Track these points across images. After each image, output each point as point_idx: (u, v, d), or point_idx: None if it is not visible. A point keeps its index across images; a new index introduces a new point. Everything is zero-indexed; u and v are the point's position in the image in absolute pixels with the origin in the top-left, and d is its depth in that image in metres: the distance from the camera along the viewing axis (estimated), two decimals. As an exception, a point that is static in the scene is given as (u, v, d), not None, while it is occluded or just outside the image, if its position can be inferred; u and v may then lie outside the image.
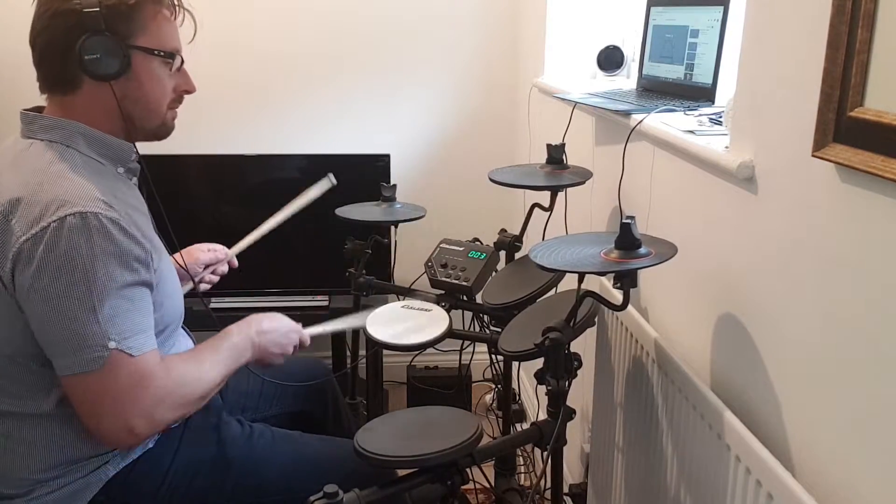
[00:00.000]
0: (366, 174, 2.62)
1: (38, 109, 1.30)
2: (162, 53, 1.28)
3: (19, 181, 1.20)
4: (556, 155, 1.73)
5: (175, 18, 1.31)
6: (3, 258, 1.16)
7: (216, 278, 1.69)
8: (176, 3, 1.30)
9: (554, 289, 1.69)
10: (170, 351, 1.36)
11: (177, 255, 1.51)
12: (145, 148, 1.35)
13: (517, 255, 1.91)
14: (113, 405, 1.18)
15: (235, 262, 1.73)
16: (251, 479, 1.34)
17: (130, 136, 1.32)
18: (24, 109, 1.29)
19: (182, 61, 1.33)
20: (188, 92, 1.36)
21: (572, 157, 1.79)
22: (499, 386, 2.16)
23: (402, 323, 1.65)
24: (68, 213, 1.14)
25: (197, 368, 1.28)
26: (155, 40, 1.27)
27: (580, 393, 1.91)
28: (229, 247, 1.74)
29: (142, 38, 1.25)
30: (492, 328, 1.92)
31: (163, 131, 1.35)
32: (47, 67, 1.27)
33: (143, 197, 1.39)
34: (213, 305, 2.56)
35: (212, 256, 1.68)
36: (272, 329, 1.42)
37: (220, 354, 1.32)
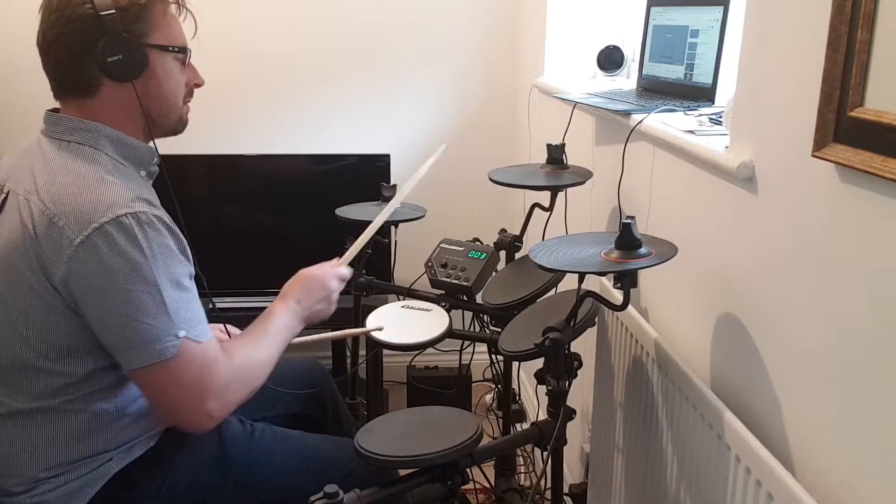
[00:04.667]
0: (366, 174, 2.62)
1: (56, 110, 1.30)
2: (176, 49, 1.31)
3: (60, 182, 1.21)
4: (556, 155, 1.73)
5: (180, 15, 1.34)
6: (56, 263, 1.17)
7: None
8: (180, 0, 1.33)
9: (554, 289, 1.69)
10: None
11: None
12: (145, 148, 1.35)
13: (517, 255, 1.91)
14: (190, 391, 1.22)
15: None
16: (252, 478, 1.35)
17: (150, 134, 1.33)
18: (49, 110, 1.30)
19: (190, 56, 1.36)
20: (198, 85, 1.40)
21: (572, 157, 1.79)
22: (499, 386, 2.16)
23: (402, 323, 1.65)
24: (119, 213, 1.17)
25: (255, 350, 1.33)
26: (167, 37, 1.29)
27: (580, 393, 1.91)
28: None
29: (155, 36, 1.27)
30: (492, 328, 1.92)
31: (180, 126, 1.38)
32: (63, 73, 1.27)
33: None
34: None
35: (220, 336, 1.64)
36: (308, 290, 1.46)
37: (270, 336, 1.36)
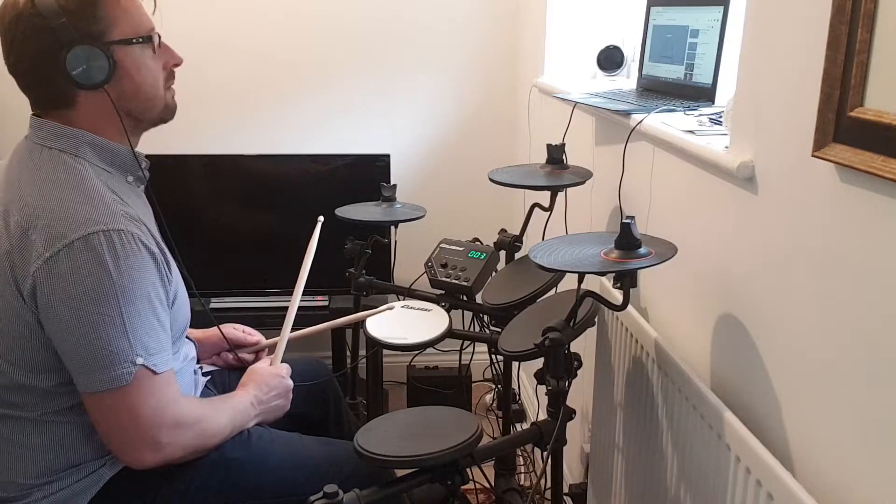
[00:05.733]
0: (366, 174, 2.62)
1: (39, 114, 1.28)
2: (140, 40, 1.25)
3: (38, 193, 1.19)
4: (556, 155, 1.73)
5: None
6: (24, 274, 1.16)
7: (221, 362, 1.65)
8: None
9: (554, 289, 1.69)
10: (176, 355, 1.37)
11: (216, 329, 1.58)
12: (144, 148, 1.34)
13: (517, 255, 1.91)
14: (145, 421, 1.20)
15: (249, 359, 1.64)
16: (250, 481, 1.34)
17: (137, 131, 1.31)
18: (33, 114, 1.28)
19: (160, 37, 1.30)
20: (177, 65, 1.34)
21: (572, 157, 1.79)
22: (499, 386, 2.16)
23: (402, 323, 1.65)
24: (91, 231, 1.14)
25: (214, 412, 1.32)
26: (128, 28, 1.24)
27: (580, 393, 1.91)
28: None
29: (115, 32, 1.22)
30: (492, 328, 1.92)
31: (167, 114, 1.34)
32: (37, 91, 1.25)
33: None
34: (213, 305, 2.57)
35: (240, 336, 1.64)
36: (266, 385, 1.43)
37: (229, 411, 1.35)
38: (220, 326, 1.60)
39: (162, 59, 1.31)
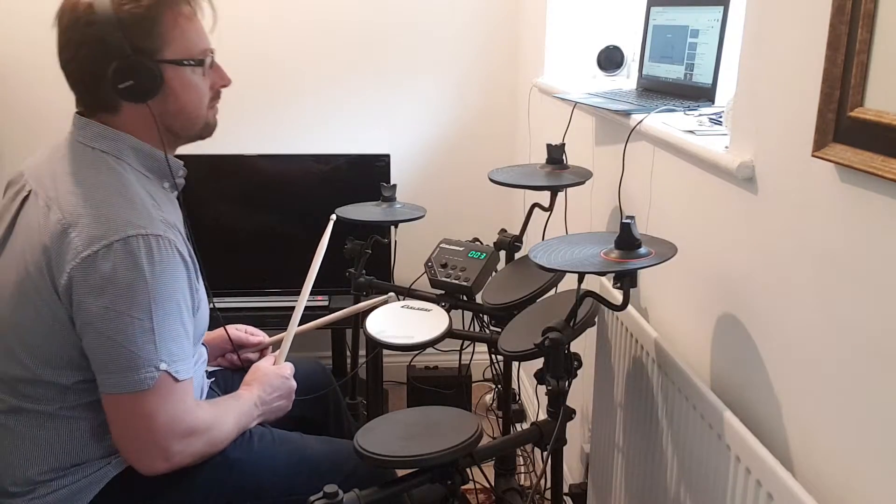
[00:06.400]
0: (366, 174, 2.63)
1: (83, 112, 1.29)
2: (192, 62, 1.26)
3: (80, 193, 1.20)
4: (556, 155, 1.73)
5: (196, 15, 1.27)
6: (60, 271, 1.16)
7: (225, 363, 1.65)
8: (192, 1, 1.26)
9: (554, 289, 1.69)
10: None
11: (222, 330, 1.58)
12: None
13: (517, 255, 1.91)
14: (159, 427, 1.20)
15: (253, 359, 1.64)
16: (251, 480, 1.34)
17: (174, 144, 1.32)
18: (77, 112, 1.28)
19: (213, 58, 1.31)
20: (224, 86, 1.35)
21: (572, 157, 1.79)
22: (499, 386, 2.16)
23: (402, 323, 1.65)
24: (131, 234, 1.15)
25: (224, 417, 1.32)
26: (181, 49, 1.24)
27: (580, 393, 1.91)
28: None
29: (168, 51, 1.23)
30: (492, 328, 1.92)
31: (206, 132, 1.35)
32: (83, 94, 1.26)
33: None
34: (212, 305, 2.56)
35: (243, 337, 1.64)
36: (270, 385, 1.44)
37: (236, 413, 1.35)
38: (226, 327, 1.60)
39: (210, 80, 1.31)
